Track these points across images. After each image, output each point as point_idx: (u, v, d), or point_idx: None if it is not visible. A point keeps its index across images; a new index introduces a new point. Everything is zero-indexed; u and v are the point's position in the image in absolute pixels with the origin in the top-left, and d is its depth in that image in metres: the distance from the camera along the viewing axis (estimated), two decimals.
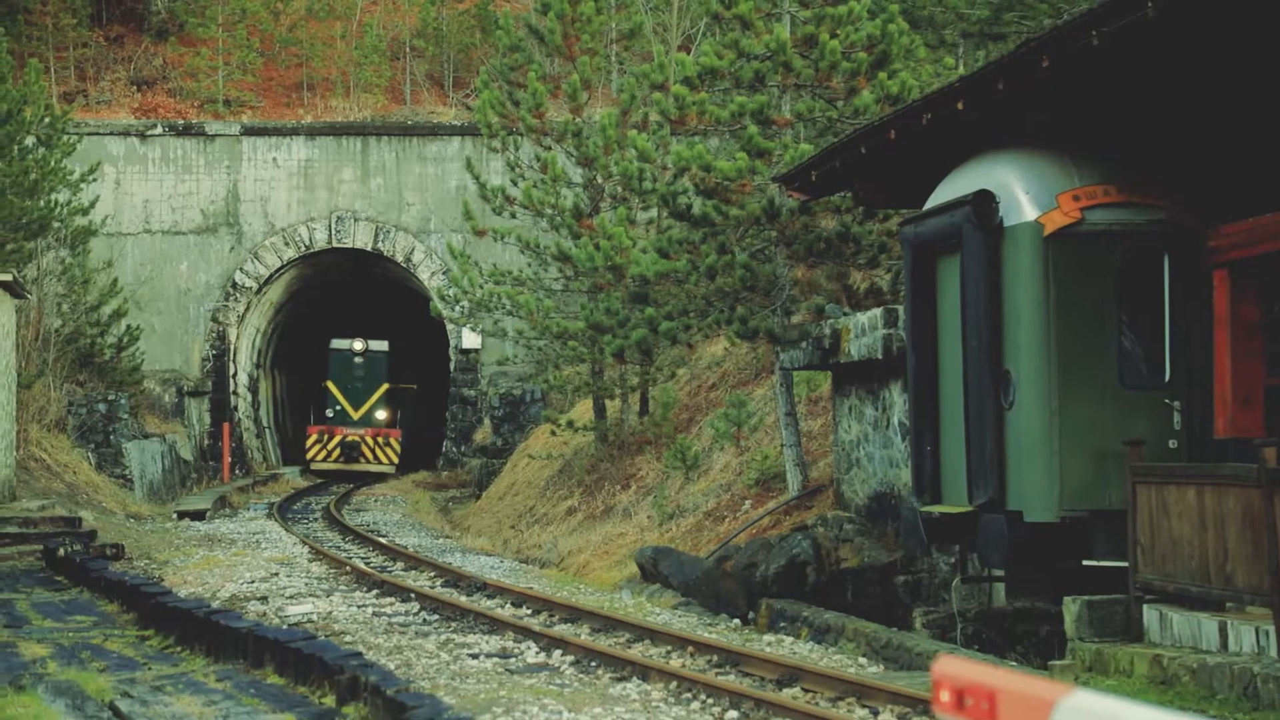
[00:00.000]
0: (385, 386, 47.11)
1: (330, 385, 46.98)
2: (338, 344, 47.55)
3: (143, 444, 34.13)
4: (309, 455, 46.15)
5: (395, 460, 45.93)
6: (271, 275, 40.81)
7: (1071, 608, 12.50)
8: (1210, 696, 10.80)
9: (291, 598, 17.69)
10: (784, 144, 20.53)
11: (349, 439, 45.81)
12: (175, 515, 30.85)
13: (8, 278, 25.92)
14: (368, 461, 45.74)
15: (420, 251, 40.29)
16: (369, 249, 40.65)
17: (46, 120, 32.66)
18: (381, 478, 44.86)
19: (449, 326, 39.25)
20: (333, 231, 40.44)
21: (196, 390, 39.80)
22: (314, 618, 15.96)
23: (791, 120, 21.08)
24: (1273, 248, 12.25)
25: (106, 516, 27.97)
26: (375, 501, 37.04)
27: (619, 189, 26.93)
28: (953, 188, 14.46)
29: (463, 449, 40.71)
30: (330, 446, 45.78)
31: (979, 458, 13.70)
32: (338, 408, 46.44)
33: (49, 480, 29.05)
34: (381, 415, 46.84)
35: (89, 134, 38.13)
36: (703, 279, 20.81)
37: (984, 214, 13.65)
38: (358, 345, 47.12)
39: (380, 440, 46.11)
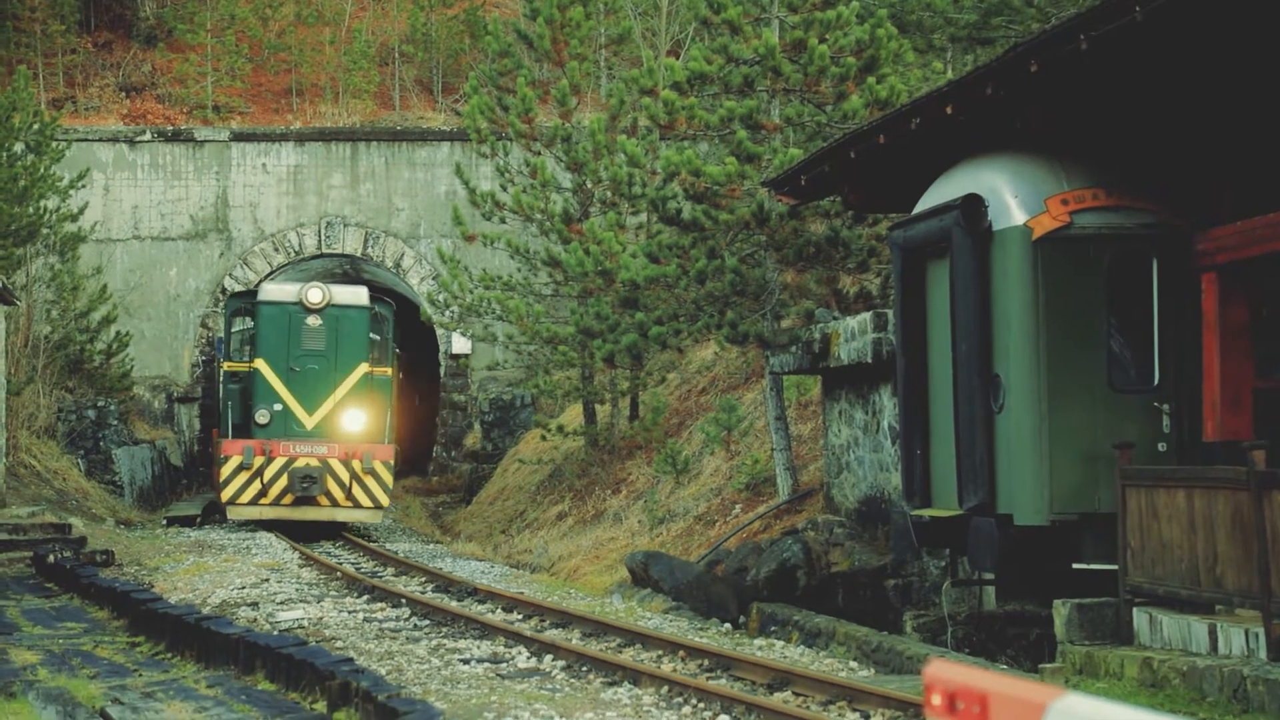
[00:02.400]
0: (363, 370, 27.98)
1: (261, 368, 27.84)
2: (273, 293, 28.39)
3: (132, 450, 34.10)
4: (225, 495, 27.11)
5: (384, 499, 27.58)
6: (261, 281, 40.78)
7: (1062, 611, 12.52)
8: (1200, 699, 10.82)
9: (282, 604, 17.67)
10: (773, 149, 20.57)
11: (301, 464, 26.87)
12: (165, 521, 30.79)
13: None
14: (335, 504, 27.15)
15: (410, 257, 40.27)
16: (358, 254, 40.60)
17: (35, 127, 32.65)
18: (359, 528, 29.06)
19: (439, 332, 39.21)
20: (322, 237, 40.40)
21: (186, 396, 39.74)
22: (305, 623, 15.95)
23: (780, 125, 21.11)
24: (1261, 251, 12.29)
25: (96, 523, 27.93)
26: None
27: (608, 194, 26.95)
28: (941, 192, 14.49)
29: (453, 454, 40.68)
30: (268, 478, 26.79)
31: (969, 461, 13.73)
32: (277, 407, 27.68)
33: (39, 487, 29.01)
34: (357, 422, 27.85)
35: (78, 140, 38.08)
36: (692, 283, 20.84)
37: (973, 218, 13.68)
38: (313, 295, 27.75)
39: (359, 466, 27.12)
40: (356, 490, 27.01)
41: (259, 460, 26.75)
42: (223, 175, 40.01)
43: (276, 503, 26.82)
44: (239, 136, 40.16)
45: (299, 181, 40.31)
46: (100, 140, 39.43)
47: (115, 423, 33.30)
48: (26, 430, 30.62)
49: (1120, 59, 12.02)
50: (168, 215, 39.81)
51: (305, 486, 26.69)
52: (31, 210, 31.70)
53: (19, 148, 31.81)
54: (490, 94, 30.10)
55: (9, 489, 27.29)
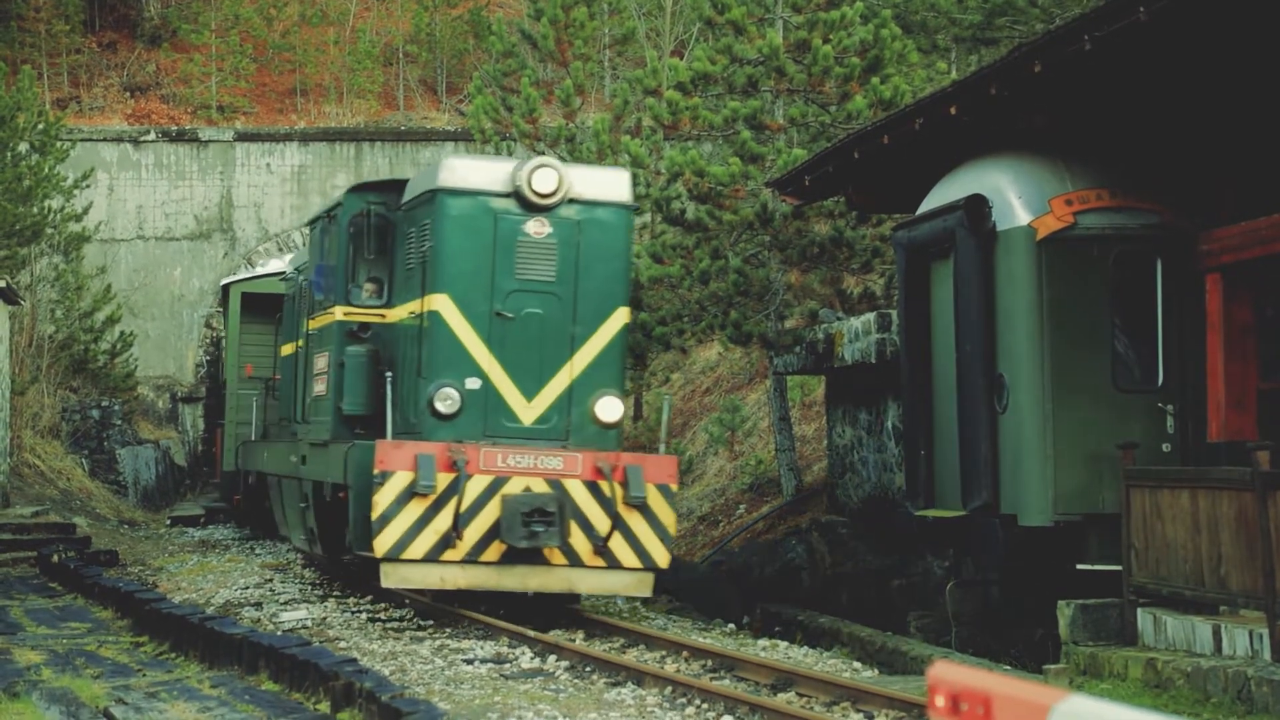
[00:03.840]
0: (622, 318, 15.68)
1: (444, 312, 15.36)
2: (466, 175, 15.45)
3: (136, 450, 34.11)
4: (383, 544, 14.62)
5: (662, 556, 15.08)
6: None
7: (1066, 611, 12.52)
8: (1204, 700, 10.81)
9: (286, 604, 17.67)
10: (777, 149, 20.57)
11: (519, 488, 14.88)
12: (169, 521, 30.80)
13: (1, 284, 25.91)
14: (576, 562, 15.01)
15: None
16: None
17: (40, 127, 32.67)
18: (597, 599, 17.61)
19: None
20: None
21: (190, 396, 39.75)
22: (308, 623, 15.94)
23: (784, 125, 21.11)
24: (1265, 251, 12.28)
25: (100, 523, 27.95)
26: None
27: None
28: (946, 192, 14.50)
29: None
30: (464, 510, 14.71)
31: (973, 461, 13.72)
32: (472, 384, 15.34)
33: (43, 487, 29.03)
34: (614, 412, 15.52)
35: (82, 140, 38.10)
36: (696, 284, 20.84)
37: (977, 218, 13.68)
38: (543, 181, 15.25)
39: (621, 493, 14.89)
40: (617, 539, 14.90)
41: (445, 479, 14.63)
42: (227, 175, 40.03)
43: (473, 558, 14.80)
44: (243, 136, 40.19)
45: (303, 182, 40.34)
46: (105, 140, 39.46)
47: (119, 423, 33.32)
48: (31, 430, 30.65)
49: (1124, 59, 12.02)
50: (172, 215, 39.84)
51: (532, 531, 14.65)
52: (36, 210, 31.72)
53: (23, 148, 31.82)
54: (494, 94, 30.11)
55: (13, 489, 27.30)
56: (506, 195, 15.31)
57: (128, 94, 43.08)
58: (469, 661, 13.34)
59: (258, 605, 17.50)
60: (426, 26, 45.33)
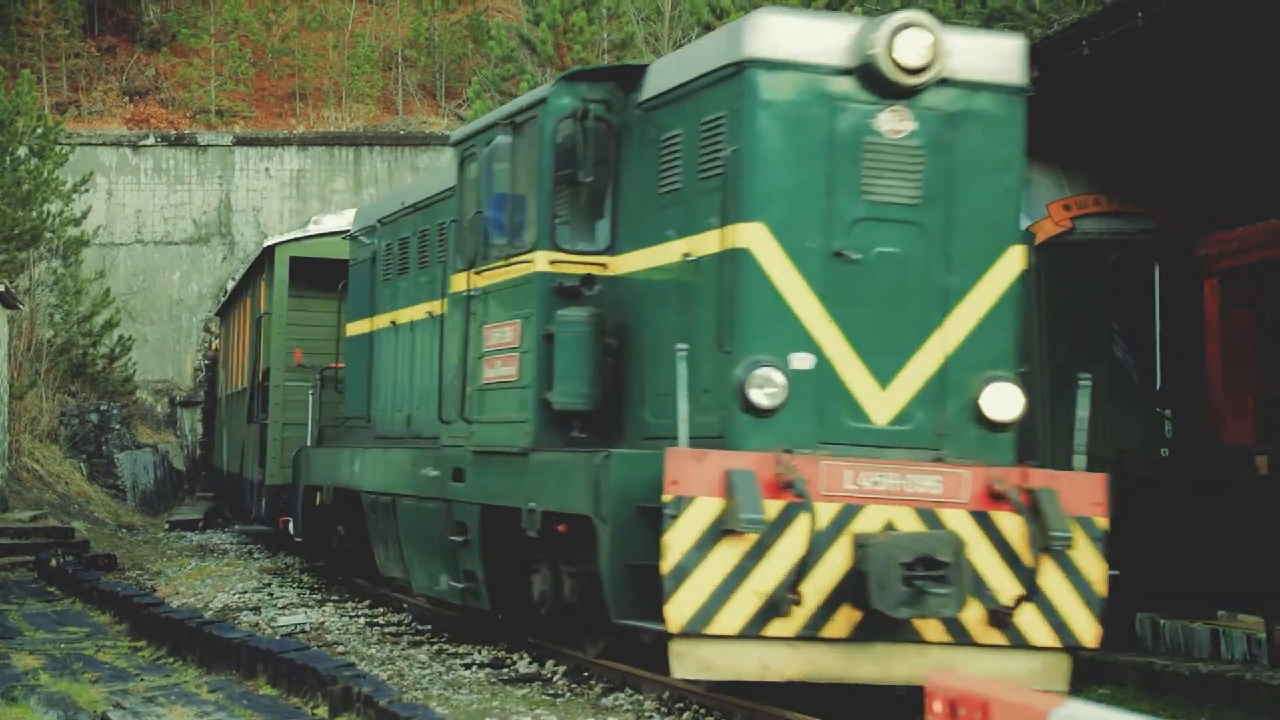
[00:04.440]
0: (1017, 260, 10.22)
1: (760, 248, 9.80)
2: (788, 38, 9.84)
3: (135, 454, 34.11)
4: (679, 611, 9.23)
5: (1089, 630, 9.85)
6: None
7: None
8: (1202, 705, 10.82)
9: (284, 608, 17.67)
10: None
11: (880, 523, 9.46)
12: (167, 525, 30.80)
13: (0, 288, 25.92)
14: (960, 636, 9.51)
15: None
16: None
17: (39, 131, 32.69)
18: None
19: None
20: None
21: (189, 400, 39.77)
22: (306, 628, 15.95)
23: None
24: (1263, 256, 12.30)
25: (99, 527, 27.95)
26: None
27: None
28: None
29: None
30: (811, 563, 9.30)
31: None
32: (802, 362, 9.81)
33: (41, 491, 29.03)
34: (1012, 405, 10.12)
35: (81, 144, 38.11)
36: None
37: None
38: (909, 49, 9.75)
39: (1045, 535, 9.66)
40: (1029, 607, 9.82)
41: (774, 508, 9.42)
42: (225, 179, 40.05)
43: (812, 631, 9.54)
44: (242, 141, 40.21)
45: (302, 186, 40.36)
46: (103, 144, 39.49)
47: (118, 427, 33.33)
48: (29, 434, 30.65)
49: (1122, 65, 12.03)
50: (170, 219, 39.86)
51: (919, 592, 9.30)
52: (35, 214, 31.74)
53: (22, 152, 31.83)
54: (493, 98, 30.12)
55: (11, 493, 27.31)
56: (846, 72, 10.06)
57: (127, 98, 43.12)
58: (467, 667, 13.35)
59: (256, 610, 17.50)
60: (425, 31, 45.38)
